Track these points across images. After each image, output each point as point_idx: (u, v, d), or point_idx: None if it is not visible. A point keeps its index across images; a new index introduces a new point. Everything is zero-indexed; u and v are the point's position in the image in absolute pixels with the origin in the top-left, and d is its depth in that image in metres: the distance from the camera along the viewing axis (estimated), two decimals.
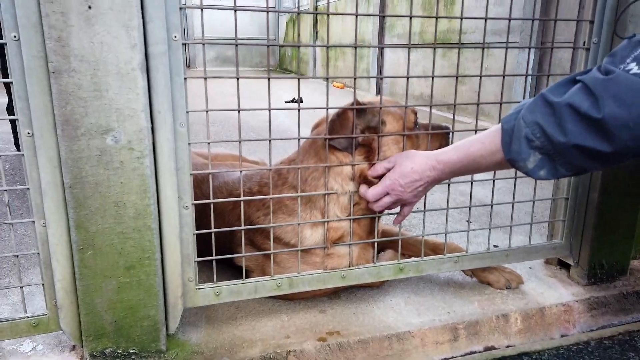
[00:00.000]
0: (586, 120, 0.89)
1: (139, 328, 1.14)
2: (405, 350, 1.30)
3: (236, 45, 1.08)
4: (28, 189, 1.02)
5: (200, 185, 1.57)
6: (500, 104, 1.40)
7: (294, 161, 1.40)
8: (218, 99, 5.87)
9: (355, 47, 1.16)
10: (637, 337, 1.43)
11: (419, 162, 1.20)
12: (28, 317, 1.11)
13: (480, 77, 1.33)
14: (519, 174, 1.14)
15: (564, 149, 0.94)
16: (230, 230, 1.31)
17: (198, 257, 1.20)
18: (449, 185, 1.37)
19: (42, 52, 0.95)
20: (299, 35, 1.11)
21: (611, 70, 0.88)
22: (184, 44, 1.06)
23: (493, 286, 1.54)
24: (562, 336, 1.43)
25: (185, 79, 1.07)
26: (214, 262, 1.23)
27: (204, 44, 1.08)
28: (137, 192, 1.06)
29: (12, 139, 3.35)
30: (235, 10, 1.08)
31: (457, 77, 1.30)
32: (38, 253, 1.07)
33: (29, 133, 0.99)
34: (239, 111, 1.14)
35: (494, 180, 1.43)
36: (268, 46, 1.10)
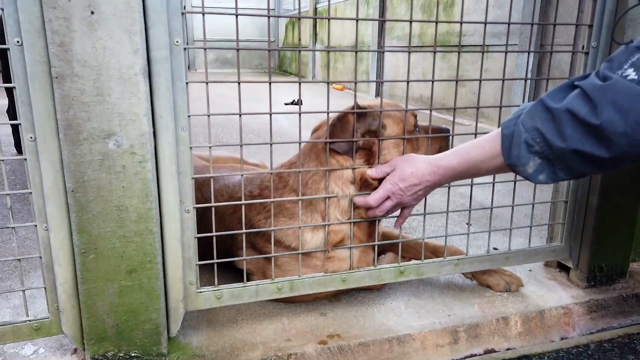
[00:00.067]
0: (584, 126, 0.90)
1: (140, 331, 1.15)
2: (406, 353, 1.31)
3: (237, 50, 1.09)
4: (30, 193, 1.03)
5: (200, 188, 1.57)
6: (500, 108, 1.40)
7: (294, 164, 1.41)
8: (218, 101, 5.89)
9: (356, 52, 1.17)
10: (636, 340, 1.43)
11: (419, 166, 1.21)
12: (30, 320, 1.11)
13: (480, 81, 1.33)
14: (519, 177, 1.15)
15: (563, 154, 0.95)
16: (231, 234, 1.32)
17: (199, 259, 1.20)
18: (449, 187, 1.37)
19: (44, 57, 0.96)
20: (299, 40, 1.11)
21: (609, 76, 0.89)
22: (185, 49, 1.07)
23: (493, 289, 1.54)
24: (562, 339, 1.44)
25: (187, 83, 1.08)
26: (215, 266, 1.23)
27: (205, 49, 1.08)
28: (139, 196, 1.06)
29: (13, 142, 3.35)
30: (237, 16, 1.08)
31: (457, 81, 1.30)
32: (40, 257, 1.08)
33: (31, 137, 1.00)
34: (240, 115, 1.15)
35: (493, 183, 1.44)
36: (269, 51, 1.11)
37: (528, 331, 1.42)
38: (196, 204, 1.17)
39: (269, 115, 1.16)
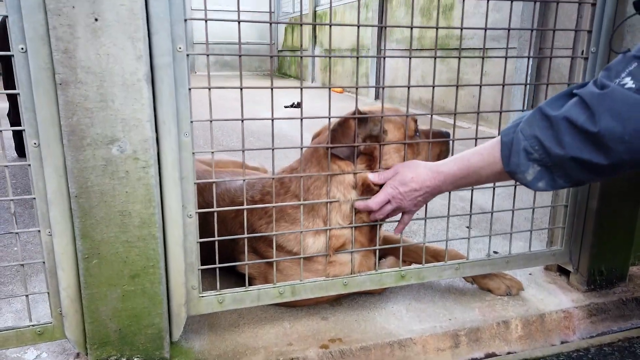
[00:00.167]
0: (583, 133, 0.91)
1: (143, 336, 1.15)
2: (407, 357, 1.31)
3: (240, 56, 1.09)
4: (34, 198, 1.03)
5: (202, 192, 1.58)
6: (500, 113, 1.41)
7: (296, 170, 1.42)
8: (219, 103, 5.89)
9: (357, 58, 1.18)
10: (636, 343, 1.44)
11: (420, 171, 1.22)
12: (33, 325, 1.11)
13: (480, 86, 1.34)
14: None
15: (561, 161, 0.96)
16: (233, 238, 1.32)
17: (200, 263, 1.21)
18: (449, 191, 1.38)
19: (49, 63, 0.96)
20: (301, 46, 1.12)
21: (606, 84, 0.90)
22: (188, 55, 1.08)
23: (494, 293, 1.55)
24: (562, 342, 1.44)
25: (189, 89, 1.09)
26: (217, 271, 1.24)
27: (208, 55, 1.09)
28: (142, 201, 1.07)
29: (13, 145, 3.36)
30: (239, 22, 1.09)
31: (457, 87, 1.31)
32: (44, 262, 1.08)
33: (35, 143, 1.00)
34: (242, 121, 1.15)
35: (494, 187, 1.44)
36: (271, 57, 1.12)
37: (529, 335, 1.43)
38: (198, 208, 1.17)
39: (271, 121, 1.17)
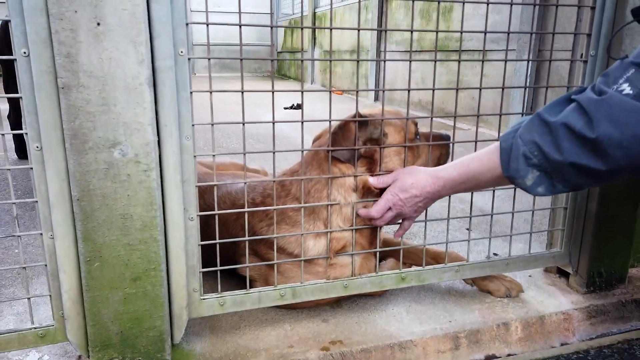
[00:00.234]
0: (581, 139, 0.92)
1: (144, 338, 1.15)
2: (408, 359, 1.32)
3: (241, 59, 1.10)
4: (36, 201, 1.04)
5: (203, 195, 1.58)
6: (500, 115, 1.42)
7: (296, 173, 1.42)
8: (220, 106, 5.89)
9: (357, 61, 1.18)
10: (635, 345, 1.45)
11: (419, 177, 1.23)
12: (35, 328, 1.12)
13: (480, 89, 1.35)
14: None
15: (560, 166, 0.97)
16: (234, 241, 1.33)
17: (201, 265, 1.21)
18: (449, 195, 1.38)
19: (51, 67, 0.97)
20: (302, 49, 1.13)
21: (604, 90, 0.91)
22: (190, 59, 1.08)
23: (493, 295, 1.55)
24: (562, 344, 1.45)
25: (191, 92, 1.09)
26: (219, 273, 1.24)
27: (209, 59, 1.10)
28: (143, 204, 1.07)
29: (13, 147, 3.36)
30: (240, 26, 1.09)
31: (457, 90, 1.32)
32: (46, 265, 1.08)
33: (37, 147, 1.01)
34: (243, 124, 1.16)
35: (493, 190, 1.45)
36: (272, 60, 1.12)
37: (528, 337, 1.43)
38: (199, 211, 1.18)
39: (272, 124, 1.17)
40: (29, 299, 1.12)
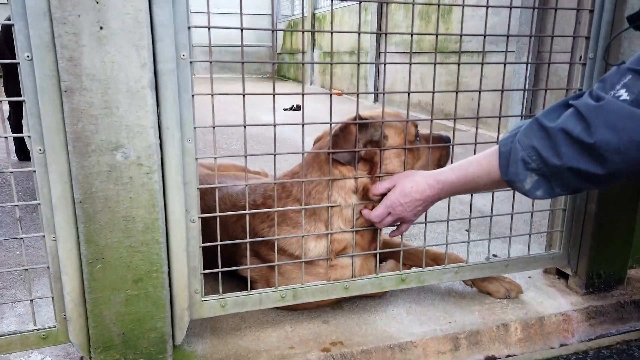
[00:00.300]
0: (579, 144, 0.93)
1: (146, 340, 1.16)
2: None
3: (242, 63, 1.11)
4: (39, 204, 1.04)
5: (203, 196, 1.58)
6: (499, 118, 1.43)
7: (297, 174, 1.43)
8: (219, 107, 5.90)
9: (358, 65, 1.19)
10: (634, 346, 1.45)
11: (419, 181, 1.24)
12: (38, 329, 1.12)
13: (480, 92, 1.36)
14: None
15: (559, 171, 0.98)
16: (236, 242, 1.33)
17: (202, 266, 1.22)
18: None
19: (54, 71, 0.97)
20: (302, 53, 1.14)
21: (602, 96, 0.92)
22: (191, 62, 1.09)
23: (493, 296, 1.56)
24: (561, 345, 1.46)
25: (192, 95, 1.10)
26: (220, 275, 1.25)
27: (211, 62, 1.11)
28: (145, 206, 1.08)
29: (14, 148, 3.37)
30: (242, 30, 1.10)
31: (456, 93, 1.33)
32: (48, 267, 1.09)
33: (40, 150, 1.01)
34: (244, 127, 1.17)
35: (493, 191, 1.46)
36: (273, 64, 1.13)
37: (528, 338, 1.44)
38: (200, 212, 1.18)
39: (273, 127, 1.18)
40: (31, 300, 1.12)
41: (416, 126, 1.46)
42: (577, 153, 0.94)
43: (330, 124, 1.27)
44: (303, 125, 1.21)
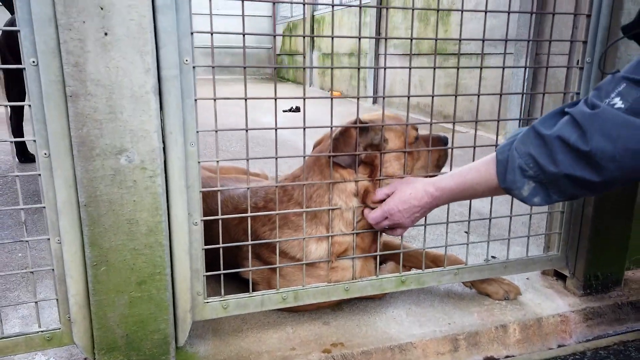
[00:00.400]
0: (575, 151, 0.95)
1: (149, 341, 1.18)
2: None
3: (244, 67, 1.12)
4: (44, 207, 1.06)
5: (205, 199, 1.60)
6: (498, 121, 1.44)
7: (298, 177, 1.44)
8: (220, 108, 5.92)
9: (358, 69, 1.21)
10: (631, 347, 1.47)
11: (418, 188, 1.25)
12: (42, 331, 1.14)
13: (479, 95, 1.37)
14: None
15: (555, 178, 1.00)
16: (238, 245, 1.35)
17: (205, 269, 1.23)
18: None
19: (59, 76, 0.99)
20: (304, 57, 1.15)
21: (597, 104, 0.94)
22: (194, 67, 1.10)
23: (492, 297, 1.58)
24: (559, 346, 1.47)
25: (195, 100, 1.11)
26: (222, 277, 1.27)
27: (213, 67, 1.12)
28: (149, 209, 1.10)
29: (16, 150, 3.38)
30: (244, 35, 1.12)
31: (455, 96, 1.34)
32: (53, 269, 1.10)
33: (45, 154, 1.03)
34: (246, 130, 1.18)
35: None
36: (275, 68, 1.15)
37: (526, 339, 1.45)
38: (202, 215, 1.20)
39: (275, 130, 1.20)
40: (36, 302, 1.14)
41: (416, 129, 1.47)
42: (573, 161, 0.96)
43: (331, 128, 1.29)
44: (304, 129, 1.22)
